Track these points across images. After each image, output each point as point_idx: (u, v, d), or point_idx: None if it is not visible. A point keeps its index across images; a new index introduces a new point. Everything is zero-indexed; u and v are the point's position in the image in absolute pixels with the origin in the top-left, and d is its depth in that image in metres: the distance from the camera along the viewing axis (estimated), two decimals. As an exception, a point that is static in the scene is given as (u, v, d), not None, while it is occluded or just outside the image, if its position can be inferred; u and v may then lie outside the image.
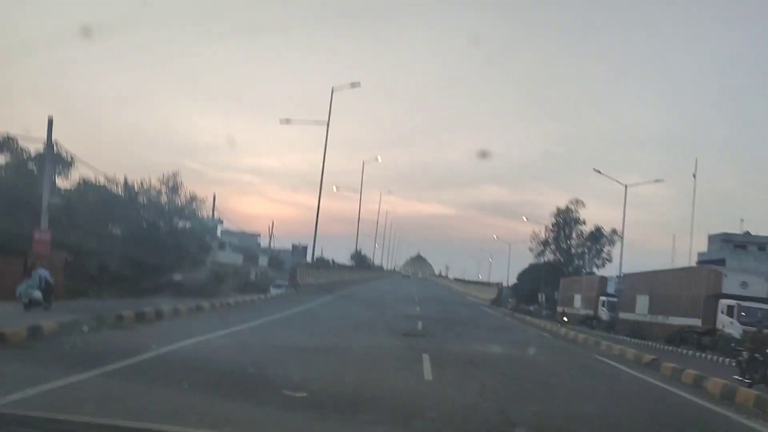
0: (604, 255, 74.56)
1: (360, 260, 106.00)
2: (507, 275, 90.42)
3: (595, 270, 73.82)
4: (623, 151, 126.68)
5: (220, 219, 43.64)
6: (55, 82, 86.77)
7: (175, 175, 28.79)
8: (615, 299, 41.55)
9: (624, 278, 42.14)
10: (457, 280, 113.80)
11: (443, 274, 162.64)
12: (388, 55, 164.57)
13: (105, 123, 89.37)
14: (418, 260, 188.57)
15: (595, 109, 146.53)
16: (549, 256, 78.04)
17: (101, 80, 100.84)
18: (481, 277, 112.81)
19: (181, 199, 29.59)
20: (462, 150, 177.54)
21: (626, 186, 46.00)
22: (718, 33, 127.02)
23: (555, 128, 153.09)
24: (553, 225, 77.36)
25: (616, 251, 74.86)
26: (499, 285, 73.47)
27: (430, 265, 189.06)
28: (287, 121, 42.93)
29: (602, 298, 43.88)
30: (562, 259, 76.98)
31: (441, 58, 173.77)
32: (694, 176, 48.74)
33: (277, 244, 71.85)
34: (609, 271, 76.06)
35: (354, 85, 42.35)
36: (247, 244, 68.02)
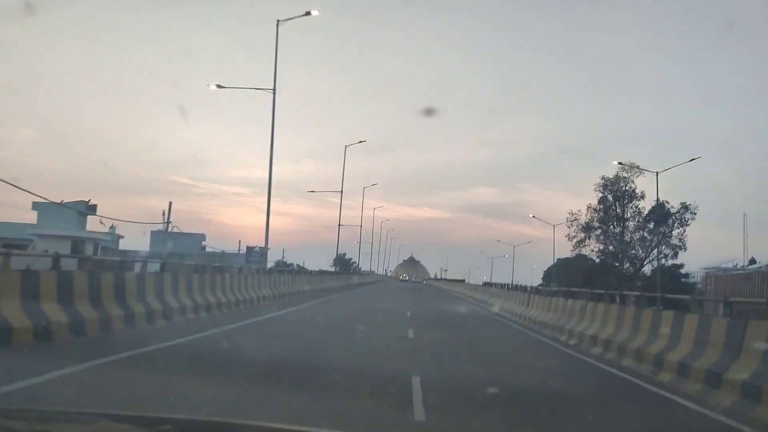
0: (674, 241, 55.15)
1: (344, 265, 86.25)
2: (530, 276, 76.29)
3: (663, 262, 54.49)
4: (615, 147, 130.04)
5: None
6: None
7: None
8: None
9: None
10: (458, 282, 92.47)
11: (438, 276, 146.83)
12: (377, 58, 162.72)
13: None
14: (411, 263, 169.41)
15: (586, 106, 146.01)
16: (594, 246, 58.67)
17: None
18: (485, 279, 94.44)
19: None
20: (450, 152, 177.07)
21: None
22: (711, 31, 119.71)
23: (546, 127, 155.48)
24: (599, 201, 57.67)
25: (691, 235, 55.43)
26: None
27: (424, 267, 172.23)
28: (219, 87, 29.45)
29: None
30: (612, 248, 57.46)
31: (430, 59, 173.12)
32: None
33: (231, 247, 53.44)
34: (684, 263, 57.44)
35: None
36: (184, 245, 50.24)
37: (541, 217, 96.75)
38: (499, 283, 37.36)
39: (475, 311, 29.71)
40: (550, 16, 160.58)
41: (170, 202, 57.78)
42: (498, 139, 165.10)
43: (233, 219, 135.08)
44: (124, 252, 46.30)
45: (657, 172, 41.13)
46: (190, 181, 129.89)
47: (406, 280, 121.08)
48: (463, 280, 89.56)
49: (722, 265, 63.26)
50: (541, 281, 73.98)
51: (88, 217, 40.60)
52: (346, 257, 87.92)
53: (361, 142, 47.56)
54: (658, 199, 49.31)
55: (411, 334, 14.85)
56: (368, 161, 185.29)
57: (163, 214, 48.93)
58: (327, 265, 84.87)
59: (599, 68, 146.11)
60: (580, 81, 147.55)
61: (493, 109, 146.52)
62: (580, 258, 62.15)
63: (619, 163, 54.89)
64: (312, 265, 53.13)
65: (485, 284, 44.18)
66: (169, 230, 48.29)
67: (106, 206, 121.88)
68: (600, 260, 58.36)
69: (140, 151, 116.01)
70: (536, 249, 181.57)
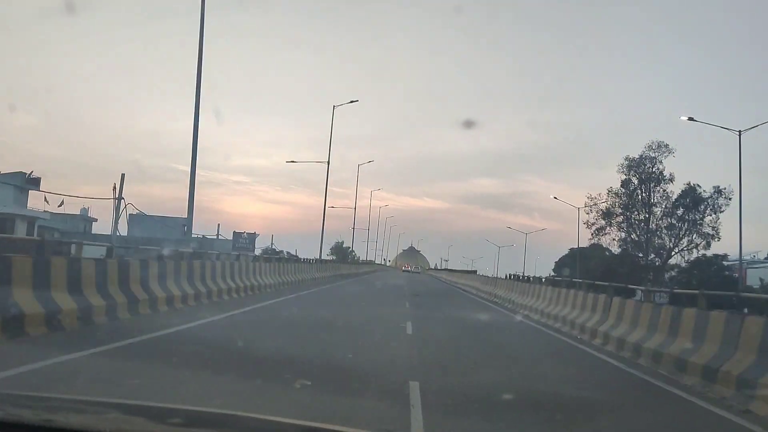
0: (706, 229, 49.47)
1: (342, 253, 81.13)
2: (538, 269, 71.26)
3: (695, 253, 49.16)
4: (610, 139, 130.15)
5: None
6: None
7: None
8: None
9: None
10: (465, 273, 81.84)
11: (439, 266, 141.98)
12: (381, 50, 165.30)
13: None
14: (411, 253, 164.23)
15: (584, 97, 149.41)
16: (615, 234, 53.28)
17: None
18: (490, 270, 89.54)
19: None
20: (451, 143, 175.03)
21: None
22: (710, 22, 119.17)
23: (545, 118, 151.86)
24: (622, 184, 51.51)
25: (725, 223, 49.00)
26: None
27: (424, 257, 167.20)
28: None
29: None
30: (636, 236, 52.09)
31: (430, 51, 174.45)
32: None
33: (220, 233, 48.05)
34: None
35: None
36: (165, 230, 45.42)
37: (535, 209, 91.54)
38: (532, 277, 27.36)
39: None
40: (553, 6, 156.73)
41: (122, 175, 51.38)
42: (498, 129, 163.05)
43: (234, 207, 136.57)
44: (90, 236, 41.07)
45: (739, 131, 33.75)
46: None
47: (410, 271, 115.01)
48: (474, 272, 72.99)
49: (756, 256, 57.95)
50: (551, 273, 68.97)
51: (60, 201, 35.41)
52: (344, 246, 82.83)
53: (352, 102, 42.34)
54: (740, 164, 36.17)
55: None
56: (368, 151, 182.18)
57: (114, 189, 43.17)
58: (325, 253, 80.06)
59: (600, 59, 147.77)
60: (581, 72, 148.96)
61: (494, 100, 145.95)
62: (596, 248, 56.90)
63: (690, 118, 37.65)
64: (308, 254, 48.58)
65: (513, 278, 30.16)
66: (122, 208, 42.69)
67: (103, 194, 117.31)
68: (622, 250, 53.16)
69: (140, 140, 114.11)
70: (540, 239, 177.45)
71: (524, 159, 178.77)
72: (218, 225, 51.57)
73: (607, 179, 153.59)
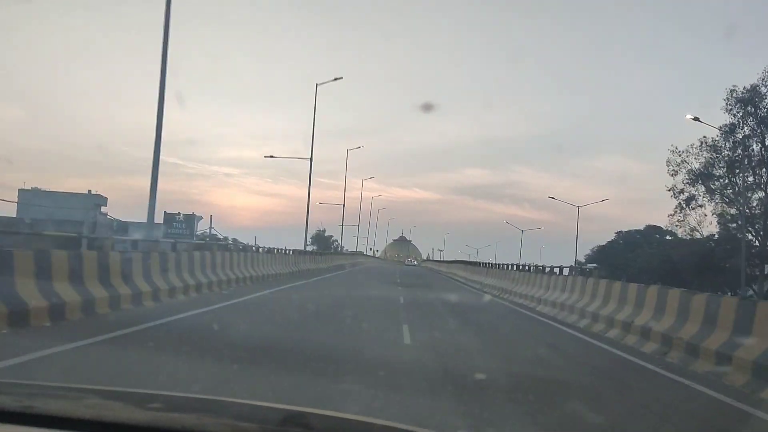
0: None
1: (323, 243, 74.17)
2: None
3: None
4: (602, 129, 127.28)
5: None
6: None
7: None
8: None
9: None
10: (468, 264, 63.46)
11: (431, 257, 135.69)
12: (369, 38, 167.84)
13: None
14: (402, 243, 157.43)
15: (575, 87, 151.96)
16: (715, 208, 38.70)
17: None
18: (489, 260, 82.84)
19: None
20: (442, 133, 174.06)
21: None
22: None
23: (540, 109, 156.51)
24: (724, 132, 35.40)
25: None
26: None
27: (416, 247, 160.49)
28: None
29: None
30: (747, 210, 34.92)
31: (423, 39, 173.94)
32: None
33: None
34: None
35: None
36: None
37: (527, 200, 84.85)
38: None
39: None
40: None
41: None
42: (490, 120, 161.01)
43: (223, 200, 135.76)
44: None
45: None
46: (180, 161, 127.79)
47: (413, 264, 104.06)
48: (495, 266, 39.80)
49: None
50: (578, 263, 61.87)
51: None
52: (325, 234, 75.93)
53: (336, 79, 39.09)
54: None
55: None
56: (357, 142, 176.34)
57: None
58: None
59: (593, 49, 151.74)
60: (574, 65, 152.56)
61: (486, 91, 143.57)
62: (650, 232, 48.50)
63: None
64: (298, 246, 41.52)
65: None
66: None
67: (100, 188, 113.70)
68: (721, 230, 38.18)
69: (129, 131, 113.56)
70: (536, 231, 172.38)
71: (515, 149, 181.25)
72: (164, 212, 43.07)
73: (599, 169, 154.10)
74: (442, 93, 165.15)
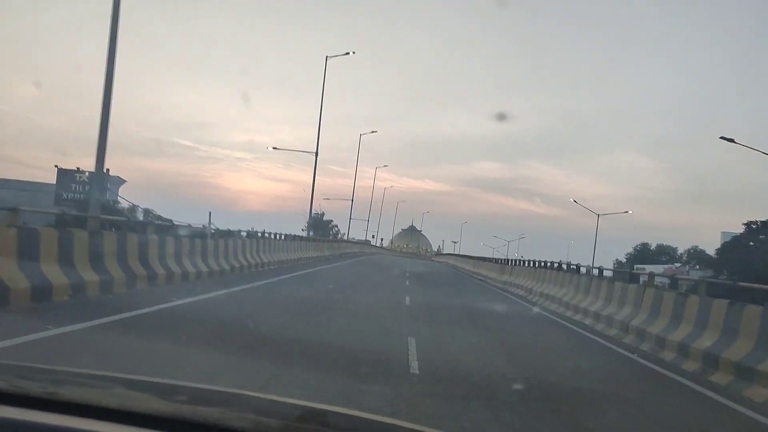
0: None
1: (321, 229, 64.73)
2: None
3: None
4: (614, 125, 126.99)
5: None
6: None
7: None
8: None
9: None
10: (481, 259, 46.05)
11: (441, 250, 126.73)
12: (382, 27, 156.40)
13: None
14: (412, 232, 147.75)
15: (587, 83, 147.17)
16: None
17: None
18: (519, 256, 73.64)
19: None
20: (457, 125, 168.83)
21: None
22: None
23: (555, 102, 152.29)
24: None
25: None
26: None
27: (426, 238, 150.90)
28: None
29: None
30: None
31: (438, 32, 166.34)
32: None
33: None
34: None
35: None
36: None
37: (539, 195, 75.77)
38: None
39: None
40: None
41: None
42: (503, 113, 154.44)
43: (234, 183, 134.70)
44: None
45: None
46: (192, 143, 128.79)
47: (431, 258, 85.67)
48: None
49: None
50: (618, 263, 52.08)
51: None
52: (324, 218, 66.46)
53: (346, 53, 37.55)
54: None
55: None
56: (374, 133, 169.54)
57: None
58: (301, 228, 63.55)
59: (607, 46, 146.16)
60: (586, 59, 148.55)
61: (499, 84, 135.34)
62: None
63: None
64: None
65: None
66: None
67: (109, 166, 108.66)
68: None
69: (140, 112, 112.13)
70: (543, 225, 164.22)
71: (528, 143, 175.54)
72: (68, 172, 31.45)
73: (610, 165, 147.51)
74: (454, 85, 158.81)
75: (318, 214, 66.02)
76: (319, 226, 64.64)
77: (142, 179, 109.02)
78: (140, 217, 26.75)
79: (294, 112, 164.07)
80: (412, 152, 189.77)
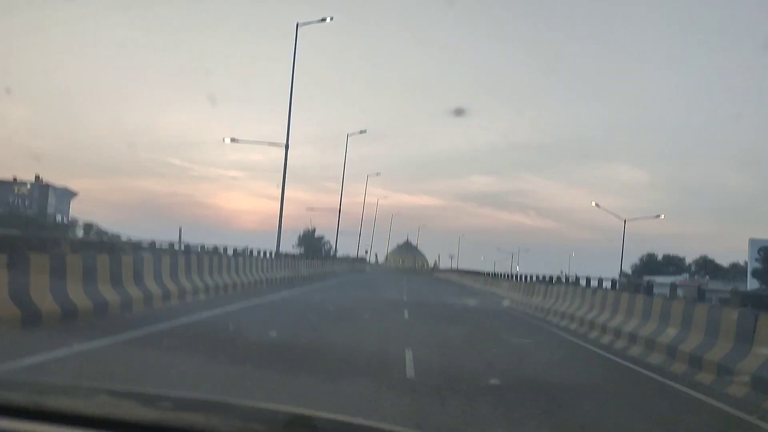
0: None
1: (312, 246, 61.11)
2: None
3: None
4: (610, 137, 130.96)
5: None
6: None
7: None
8: None
9: None
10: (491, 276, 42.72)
11: (438, 265, 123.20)
12: (374, 44, 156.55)
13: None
14: (407, 248, 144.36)
15: (585, 96, 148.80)
16: None
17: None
18: (517, 269, 70.59)
19: None
20: (448, 140, 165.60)
21: None
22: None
23: (544, 116, 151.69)
24: None
25: None
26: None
27: (422, 253, 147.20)
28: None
29: None
30: None
31: (423, 43, 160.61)
32: None
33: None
34: None
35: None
36: None
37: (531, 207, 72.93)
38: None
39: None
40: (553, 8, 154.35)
41: None
42: (496, 127, 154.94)
43: (229, 203, 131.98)
44: None
45: None
46: (186, 163, 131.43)
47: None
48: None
49: None
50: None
51: None
52: (316, 235, 62.85)
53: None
54: None
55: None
56: (367, 147, 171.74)
57: None
58: (291, 245, 59.70)
59: (601, 55, 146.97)
60: (579, 74, 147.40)
61: (493, 98, 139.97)
62: None
63: None
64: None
65: None
66: None
67: (95, 188, 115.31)
68: None
69: (132, 132, 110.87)
70: (538, 239, 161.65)
71: (521, 156, 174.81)
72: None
73: (607, 178, 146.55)
74: (449, 99, 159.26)
75: (309, 230, 62.54)
76: (310, 242, 61.12)
77: (133, 201, 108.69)
78: (79, 232, 23.31)
79: (292, 130, 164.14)
80: (406, 168, 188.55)
